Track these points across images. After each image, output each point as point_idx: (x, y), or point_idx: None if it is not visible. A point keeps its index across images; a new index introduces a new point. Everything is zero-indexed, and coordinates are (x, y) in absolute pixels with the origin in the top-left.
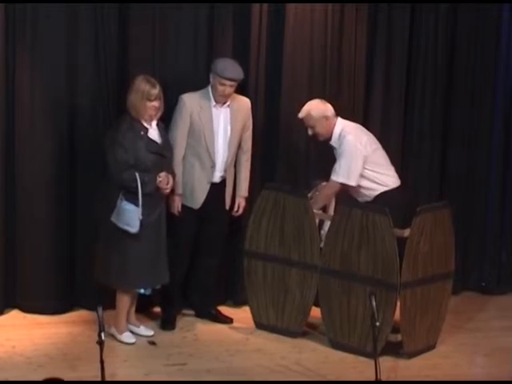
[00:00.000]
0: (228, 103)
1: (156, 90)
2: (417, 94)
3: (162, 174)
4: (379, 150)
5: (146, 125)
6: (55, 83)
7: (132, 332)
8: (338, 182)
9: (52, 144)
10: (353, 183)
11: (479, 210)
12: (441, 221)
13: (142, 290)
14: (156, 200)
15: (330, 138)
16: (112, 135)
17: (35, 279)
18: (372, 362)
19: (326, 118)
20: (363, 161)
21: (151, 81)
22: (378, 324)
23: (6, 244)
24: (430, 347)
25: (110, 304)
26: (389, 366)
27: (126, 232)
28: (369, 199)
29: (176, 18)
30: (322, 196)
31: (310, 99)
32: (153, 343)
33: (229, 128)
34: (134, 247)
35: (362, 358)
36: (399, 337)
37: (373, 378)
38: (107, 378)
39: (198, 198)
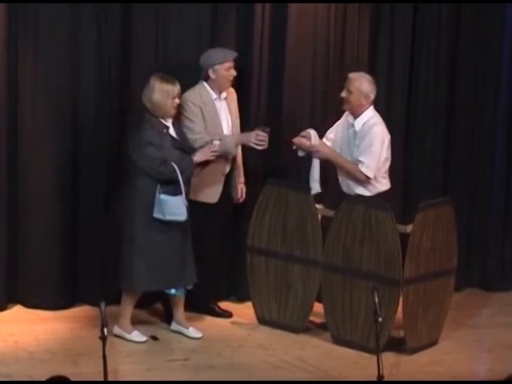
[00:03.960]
0: (224, 95)
1: (178, 87)
2: (419, 92)
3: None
4: (389, 157)
5: (165, 123)
6: (58, 82)
7: (180, 333)
8: (363, 173)
9: (55, 142)
10: (371, 176)
11: (482, 206)
12: (443, 217)
13: (173, 291)
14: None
15: (354, 116)
16: (137, 137)
17: (38, 274)
18: (374, 357)
19: (366, 97)
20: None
21: (170, 78)
22: (380, 320)
23: (8, 239)
24: (433, 343)
25: (113, 299)
26: (391, 361)
27: (152, 233)
28: (352, 192)
29: (179, 17)
30: (340, 161)
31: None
32: (155, 338)
33: (229, 118)
34: (161, 247)
35: (364, 354)
36: (402, 333)
37: (375, 374)
38: (109, 374)
39: (215, 192)
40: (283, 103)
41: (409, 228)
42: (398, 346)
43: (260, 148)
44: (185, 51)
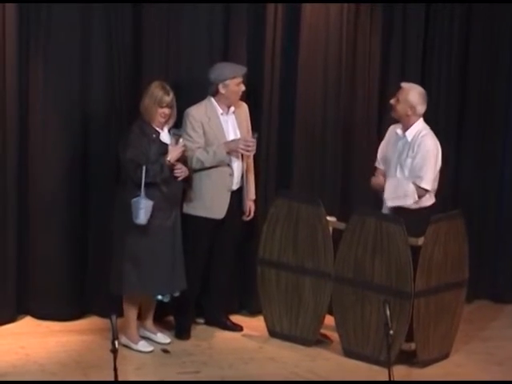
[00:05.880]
0: (233, 109)
1: (169, 98)
2: (431, 95)
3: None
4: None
5: (157, 129)
6: (68, 87)
7: (149, 339)
8: (425, 189)
9: (65, 149)
10: (429, 188)
11: (493, 219)
12: (454, 229)
13: (160, 297)
14: (171, 205)
15: (404, 128)
16: (124, 139)
17: (48, 286)
18: (386, 370)
19: (412, 108)
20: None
21: (166, 88)
22: (391, 333)
23: (18, 251)
24: (444, 356)
25: (122, 311)
26: (402, 374)
27: (139, 237)
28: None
29: (190, 22)
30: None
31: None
32: (166, 351)
33: (238, 133)
34: (149, 252)
35: (375, 367)
36: (413, 345)
37: None
38: None
39: (221, 209)
40: (295, 114)
41: (420, 240)
42: (409, 358)
43: (248, 153)
44: (196, 63)
